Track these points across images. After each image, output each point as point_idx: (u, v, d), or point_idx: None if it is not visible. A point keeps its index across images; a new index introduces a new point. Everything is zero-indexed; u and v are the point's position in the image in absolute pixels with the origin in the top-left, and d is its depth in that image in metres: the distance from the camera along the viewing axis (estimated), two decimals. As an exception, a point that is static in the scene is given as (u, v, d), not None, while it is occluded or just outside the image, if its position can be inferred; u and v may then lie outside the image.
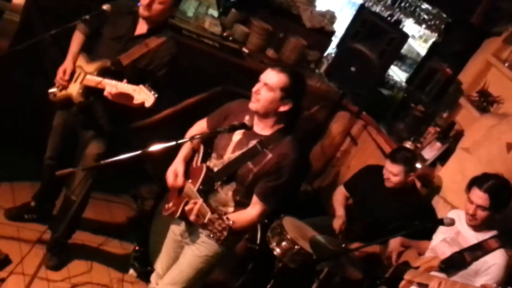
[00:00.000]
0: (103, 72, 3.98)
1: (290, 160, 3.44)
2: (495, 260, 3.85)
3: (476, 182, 3.94)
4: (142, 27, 4.07)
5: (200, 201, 3.37)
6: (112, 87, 3.78)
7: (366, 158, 6.03)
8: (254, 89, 3.44)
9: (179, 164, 3.70)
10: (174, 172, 3.67)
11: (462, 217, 4.07)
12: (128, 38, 4.05)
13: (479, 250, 3.92)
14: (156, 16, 4.01)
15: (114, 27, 4.08)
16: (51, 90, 4.22)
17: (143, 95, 3.62)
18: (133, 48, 4.01)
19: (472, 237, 3.99)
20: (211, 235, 3.22)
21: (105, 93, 3.81)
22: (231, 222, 3.17)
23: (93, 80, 3.97)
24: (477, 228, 3.99)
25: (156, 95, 3.59)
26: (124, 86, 3.74)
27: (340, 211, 5.01)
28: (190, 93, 5.51)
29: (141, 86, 3.66)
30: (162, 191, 4.65)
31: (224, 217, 3.19)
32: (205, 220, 3.24)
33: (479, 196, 3.88)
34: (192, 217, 3.39)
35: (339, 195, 5.17)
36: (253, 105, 3.45)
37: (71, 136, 4.37)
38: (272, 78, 3.41)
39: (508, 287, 3.48)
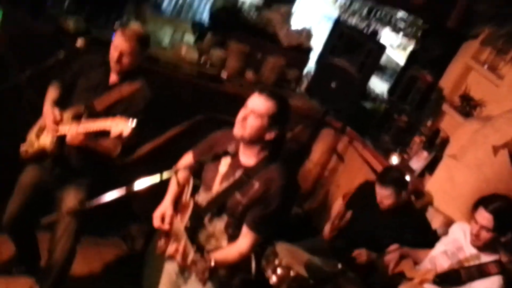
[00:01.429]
0: (78, 119, 3.95)
1: (278, 186, 3.38)
2: (490, 286, 3.79)
3: (483, 202, 3.88)
4: (114, 76, 4.09)
5: (184, 241, 3.32)
6: (84, 127, 3.78)
7: (355, 174, 6.00)
8: (240, 116, 3.35)
9: (167, 207, 3.63)
10: (162, 215, 3.61)
11: (467, 232, 4.01)
12: (102, 88, 4.05)
13: (477, 271, 3.86)
14: (127, 67, 4.03)
15: (88, 79, 4.09)
16: (23, 148, 4.15)
17: (120, 125, 3.61)
18: (106, 95, 4.02)
19: (474, 257, 3.94)
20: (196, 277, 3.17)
21: (68, 138, 3.82)
22: (212, 264, 3.12)
23: (67, 127, 3.94)
24: (480, 248, 3.93)
25: (134, 122, 3.58)
26: (100, 123, 3.73)
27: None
28: (171, 125, 5.48)
29: (117, 117, 3.65)
30: (151, 229, 4.57)
31: (207, 257, 3.14)
32: (188, 261, 3.19)
33: (484, 217, 3.82)
34: (178, 259, 3.33)
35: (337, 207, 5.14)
36: (238, 132, 3.36)
37: (41, 195, 4.25)
38: (260, 105, 3.33)
39: None
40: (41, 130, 4.12)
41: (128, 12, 5.68)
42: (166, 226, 3.57)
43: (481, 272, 3.83)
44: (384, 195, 4.70)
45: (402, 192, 4.72)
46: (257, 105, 3.34)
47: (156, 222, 3.61)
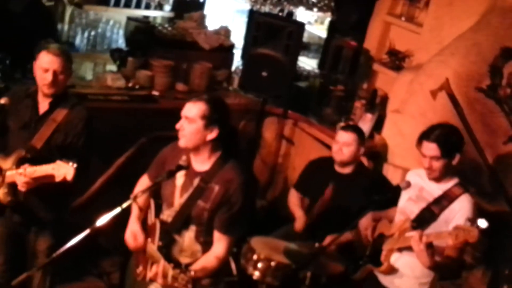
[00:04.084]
0: (21, 163, 3.80)
1: (238, 184, 3.42)
2: (461, 205, 3.88)
3: (424, 135, 3.97)
4: (44, 105, 3.94)
5: (161, 261, 3.32)
6: (28, 174, 3.66)
7: (307, 153, 6.01)
8: (177, 126, 3.42)
9: (133, 225, 3.66)
10: (132, 234, 3.63)
11: (422, 174, 4.09)
12: (35, 121, 3.92)
13: (444, 200, 3.93)
14: (62, 86, 3.92)
15: (18, 116, 3.94)
16: None
17: (63, 170, 3.52)
18: (41, 129, 3.89)
19: (436, 189, 4.01)
20: None
21: (19, 186, 3.70)
22: (192, 273, 3.11)
23: (13, 174, 3.81)
24: (438, 179, 4.01)
25: (74, 165, 3.50)
26: (42, 169, 3.62)
27: (298, 212, 4.94)
28: (117, 154, 5.42)
29: (57, 161, 3.55)
30: (124, 259, 4.53)
31: (186, 270, 3.14)
32: (169, 280, 3.17)
33: (429, 148, 3.90)
34: (159, 281, 3.33)
35: (293, 199, 5.11)
36: (181, 142, 3.43)
37: (18, 241, 4.15)
38: (190, 110, 3.40)
39: (478, 219, 3.51)
40: None
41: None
42: (140, 241, 3.59)
43: (448, 198, 3.92)
44: (347, 141, 4.75)
45: (362, 142, 4.78)
46: (187, 111, 3.42)
47: (130, 242, 3.64)
